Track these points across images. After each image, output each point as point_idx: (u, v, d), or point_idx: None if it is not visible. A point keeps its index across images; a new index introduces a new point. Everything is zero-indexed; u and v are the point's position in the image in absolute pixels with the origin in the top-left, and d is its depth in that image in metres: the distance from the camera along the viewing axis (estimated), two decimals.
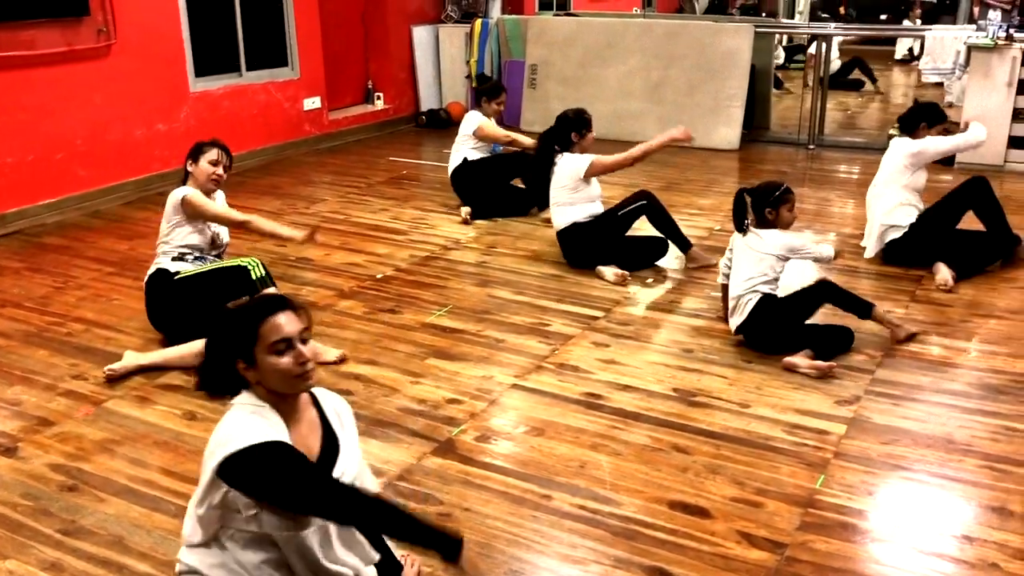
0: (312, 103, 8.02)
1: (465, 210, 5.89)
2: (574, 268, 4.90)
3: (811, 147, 7.99)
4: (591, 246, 4.87)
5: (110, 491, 2.90)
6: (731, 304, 3.91)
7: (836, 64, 10.10)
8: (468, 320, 4.26)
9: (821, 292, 3.84)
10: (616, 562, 2.53)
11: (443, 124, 8.97)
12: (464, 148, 6.03)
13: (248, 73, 7.44)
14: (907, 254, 4.79)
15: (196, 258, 4.03)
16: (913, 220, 4.78)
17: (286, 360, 2.00)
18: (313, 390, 2.16)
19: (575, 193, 4.84)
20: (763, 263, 3.82)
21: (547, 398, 3.49)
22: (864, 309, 3.81)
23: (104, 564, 2.55)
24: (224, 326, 2.10)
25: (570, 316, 4.28)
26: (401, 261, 5.12)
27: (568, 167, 4.83)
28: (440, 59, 9.40)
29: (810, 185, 6.79)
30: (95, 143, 6.21)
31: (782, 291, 3.90)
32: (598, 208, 4.95)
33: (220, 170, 4.11)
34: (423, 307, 4.44)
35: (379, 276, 4.88)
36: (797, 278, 4.25)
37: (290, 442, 2.00)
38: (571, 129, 4.87)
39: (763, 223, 3.88)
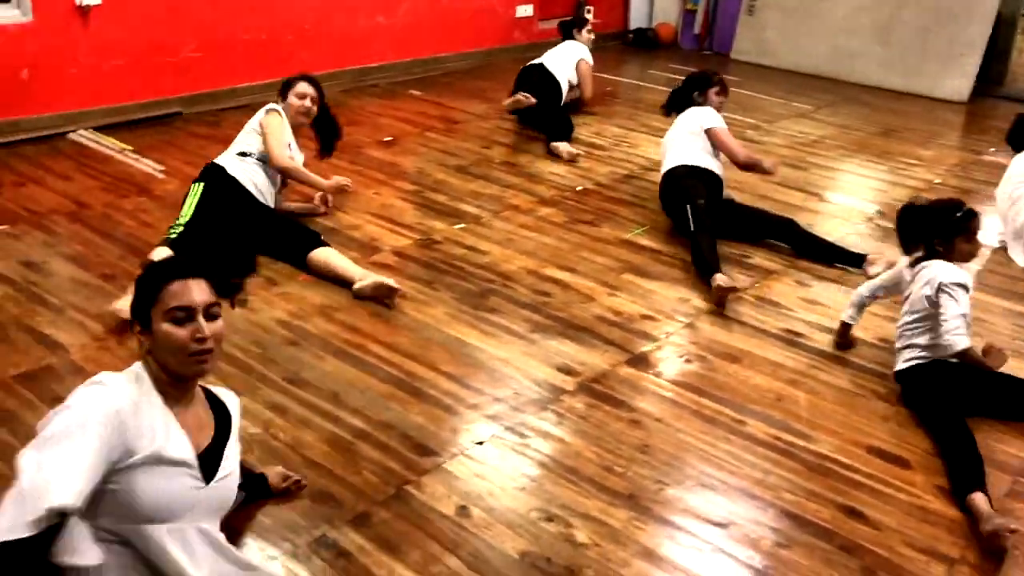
0: (524, 10, 8.02)
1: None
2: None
3: None
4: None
5: (328, 351, 3.13)
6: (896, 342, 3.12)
7: None
8: (666, 242, 4.23)
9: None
10: (809, 495, 2.52)
11: (650, 44, 8.79)
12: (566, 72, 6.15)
13: None
14: None
15: (258, 158, 3.97)
16: None
17: (181, 332, 1.75)
18: (211, 388, 2.00)
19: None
20: (919, 304, 2.97)
21: (745, 328, 3.46)
22: None
23: (322, 414, 2.77)
24: (138, 281, 1.86)
25: (774, 251, 4.18)
26: (601, 176, 5.13)
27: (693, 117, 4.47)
28: None
29: None
30: (321, 29, 6.49)
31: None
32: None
33: (308, 103, 4.07)
34: (621, 223, 4.45)
35: (579, 188, 4.92)
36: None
37: (167, 428, 1.77)
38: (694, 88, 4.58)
39: (931, 253, 3.02)
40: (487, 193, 4.73)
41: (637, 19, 9.19)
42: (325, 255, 3.66)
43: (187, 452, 1.79)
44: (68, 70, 5.23)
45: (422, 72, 7.26)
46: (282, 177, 4.09)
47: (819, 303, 3.69)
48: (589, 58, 6.27)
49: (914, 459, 2.70)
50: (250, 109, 6.01)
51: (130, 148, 5.06)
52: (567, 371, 3.10)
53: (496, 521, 2.36)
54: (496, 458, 2.63)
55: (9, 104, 5.02)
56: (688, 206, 4.09)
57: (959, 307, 2.84)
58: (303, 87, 4.09)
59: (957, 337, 2.81)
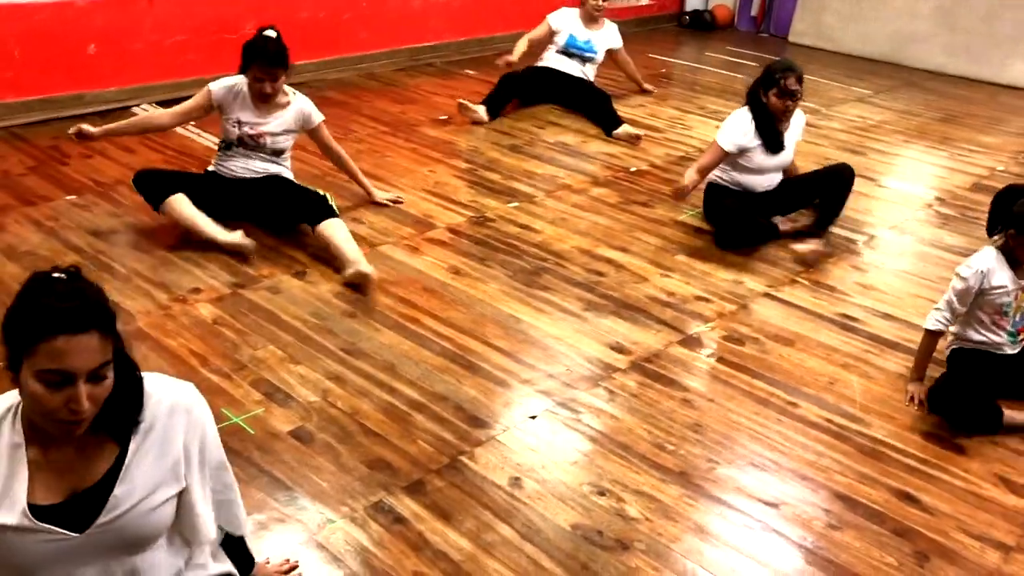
0: None
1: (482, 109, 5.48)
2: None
3: None
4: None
5: (384, 324, 3.18)
6: None
7: None
8: None
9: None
10: (862, 478, 2.52)
11: (706, 27, 8.70)
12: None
13: None
14: None
15: (225, 147, 3.85)
16: None
17: (54, 399, 1.37)
18: (158, 383, 1.55)
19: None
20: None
21: (799, 312, 3.45)
22: None
23: (378, 384, 2.83)
24: (13, 307, 1.40)
25: (830, 235, 4.14)
26: (656, 158, 5.12)
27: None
28: None
29: None
30: (378, 8, 6.53)
31: None
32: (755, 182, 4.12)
33: (266, 87, 3.68)
34: (675, 204, 4.43)
35: (633, 169, 4.91)
36: None
37: None
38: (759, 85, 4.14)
39: (1003, 244, 2.79)
40: (540, 172, 4.75)
41: (694, 1, 9.10)
42: (330, 231, 3.56)
43: (11, 516, 1.42)
44: (132, 45, 5.34)
45: (477, 51, 7.28)
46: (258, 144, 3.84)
47: (875, 288, 3.65)
48: (552, 16, 5.96)
49: (970, 446, 2.67)
50: (306, 87, 6.14)
51: (191, 122, 5.15)
52: (619, 349, 3.12)
53: (548, 493, 2.40)
54: (548, 432, 2.66)
55: (76, 78, 5.15)
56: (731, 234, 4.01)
57: (949, 292, 2.81)
58: (260, 69, 3.66)
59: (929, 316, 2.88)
